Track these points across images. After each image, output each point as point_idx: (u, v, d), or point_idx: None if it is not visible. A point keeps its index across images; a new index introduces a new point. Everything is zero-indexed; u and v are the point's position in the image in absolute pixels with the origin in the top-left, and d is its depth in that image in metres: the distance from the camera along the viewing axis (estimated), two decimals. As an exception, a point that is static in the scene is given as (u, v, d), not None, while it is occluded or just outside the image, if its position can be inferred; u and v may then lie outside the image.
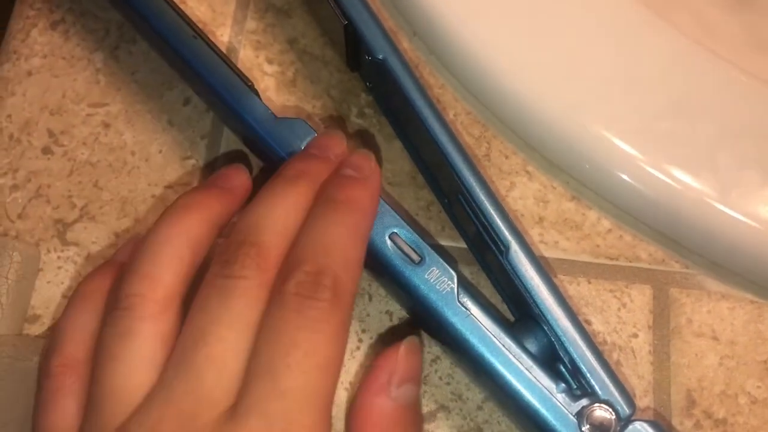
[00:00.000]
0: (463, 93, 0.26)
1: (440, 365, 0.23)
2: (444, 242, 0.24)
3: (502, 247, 0.21)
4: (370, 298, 0.23)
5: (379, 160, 0.25)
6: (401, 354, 0.18)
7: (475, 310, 0.20)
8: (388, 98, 0.25)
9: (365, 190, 0.19)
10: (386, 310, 0.23)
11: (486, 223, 0.21)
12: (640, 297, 0.24)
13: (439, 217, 0.24)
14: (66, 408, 0.17)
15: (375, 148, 0.25)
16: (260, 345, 0.16)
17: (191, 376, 0.16)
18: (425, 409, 0.22)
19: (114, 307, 0.17)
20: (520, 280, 0.20)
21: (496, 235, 0.21)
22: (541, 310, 0.20)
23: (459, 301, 0.20)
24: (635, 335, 0.23)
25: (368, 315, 0.23)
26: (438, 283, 0.20)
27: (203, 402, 0.15)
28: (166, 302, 0.17)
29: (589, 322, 0.23)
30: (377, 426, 0.17)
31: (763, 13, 0.29)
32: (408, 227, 0.20)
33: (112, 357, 0.16)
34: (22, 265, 0.23)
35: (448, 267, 0.20)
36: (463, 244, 0.24)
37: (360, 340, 0.23)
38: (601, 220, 0.24)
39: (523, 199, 0.25)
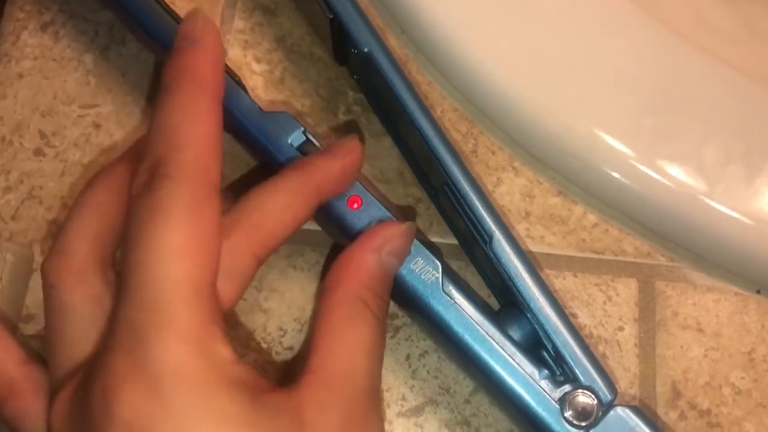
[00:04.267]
0: (449, 90, 0.27)
1: (428, 359, 0.24)
2: (433, 238, 0.25)
3: (485, 236, 0.22)
4: (359, 294, 0.25)
5: (367, 157, 0.26)
6: (401, 229, 0.20)
7: (459, 299, 0.21)
8: (375, 92, 0.26)
9: (194, 57, 0.18)
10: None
11: (470, 214, 0.22)
12: (626, 290, 0.25)
13: (427, 214, 0.26)
14: None
15: (363, 144, 0.26)
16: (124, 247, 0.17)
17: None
18: (413, 403, 0.24)
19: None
20: (504, 269, 0.22)
21: (480, 225, 0.22)
22: (524, 298, 0.21)
23: (444, 291, 0.21)
24: (621, 328, 0.24)
25: (356, 310, 0.25)
26: (423, 272, 0.21)
27: None
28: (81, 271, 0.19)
29: (575, 316, 0.24)
30: (358, 276, 0.19)
31: (761, 3, 0.31)
32: (393, 218, 0.22)
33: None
34: (16, 266, 0.25)
35: (433, 257, 0.21)
36: (452, 240, 0.25)
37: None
38: (587, 215, 0.26)
39: (509, 194, 0.26)
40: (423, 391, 0.24)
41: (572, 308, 0.24)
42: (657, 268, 0.25)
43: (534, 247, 0.25)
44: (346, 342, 0.18)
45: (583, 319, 0.24)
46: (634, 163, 0.24)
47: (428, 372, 0.24)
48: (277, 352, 0.24)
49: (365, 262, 0.20)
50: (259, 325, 0.24)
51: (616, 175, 0.25)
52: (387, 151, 0.26)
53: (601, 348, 0.24)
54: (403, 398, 0.23)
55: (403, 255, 0.21)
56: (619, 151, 0.24)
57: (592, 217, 0.26)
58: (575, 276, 0.25)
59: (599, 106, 0.25)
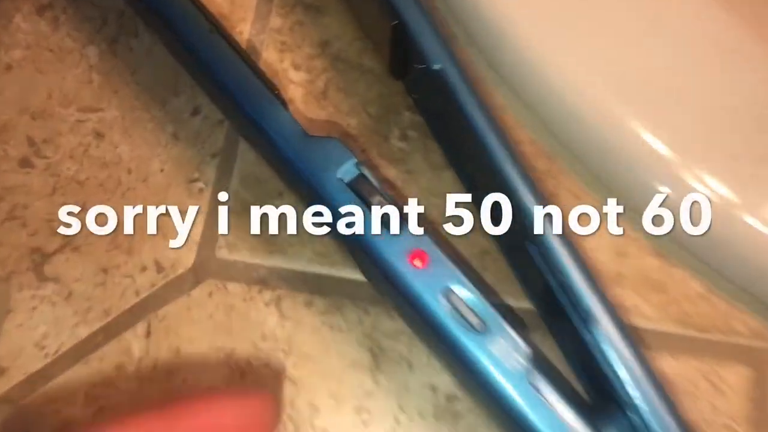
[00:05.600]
0: (527, 117, 0.23)
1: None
2: (509, 301, 0.21)
3: (583, 313, 0.18)
4: (411, 367, 0.20)
5: (424, 194, 0.22)
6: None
7: (550, 396, 0.17)
8: (439, 116, 0.22)
9: None
10: (430, 384, 0.20)
11: (564, 282, 0.18)
12: (737, 380, 0.21)
13: (495, 268, 0.21)
14: None
15: (419, 179, 0.22)
16: None
17: None
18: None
19: None
20: (606, 358, 0.18)
21: (576, 298, 0.18)
22: (630, 398, 0.17)
23: (530, 383, 0.17)
24: (730, 428, 0.20)
25: (407, 389, 0.20)
26: (505, 358, 0.17)
27: None
28: None
29: (674, 408, 0.20)
30: None
31: None
32: (469, 283, 0.17)
33: None
34: (-12, 303, 0.20)
35: (519, 339, 0.17)
36: (525, 304, 0.21)
37: (397, 421, 0.20)
38: (689, 282, 0.21)
39: (597, 250, 0.22)
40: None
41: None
42: (773, 352, 0.21)
43: (626, 318, 0.21)
44: None
45: (683, 413, 0.20)
46: (745, 217, 0.20)
47: (493, 472, 0.19)
48: (305, 434, 0.19)
49: None
50: (286, 400, 0.20)
51: (723, 231, 0.20)
52: (449, 187, 0.22)
53: (705, 451, 0.20)
54: (461, 503, 0.19)
55: None
56: (730, 200, 0.20)
57: (695, 286, 0.21)
58: (674, 358, 0.21)
59: (704, 145, 0.21)
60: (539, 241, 0.18)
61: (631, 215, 0.22)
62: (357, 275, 0.21)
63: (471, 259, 0.21)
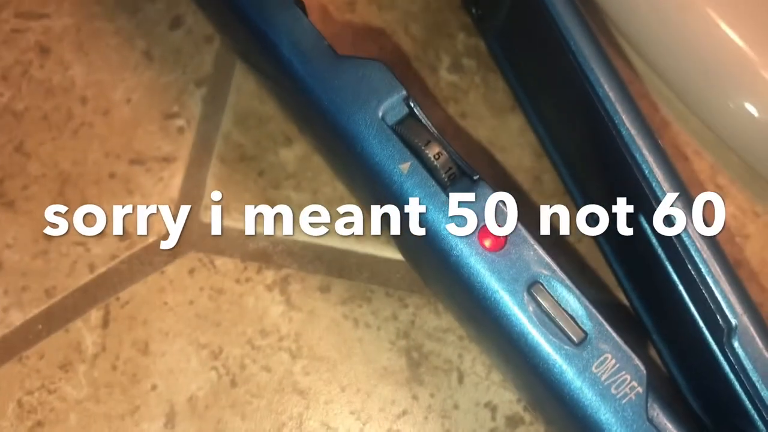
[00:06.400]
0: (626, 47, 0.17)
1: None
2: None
3: (722, 323, 0.13)
4: (461, 379, 0.15)
5: (482, 145, 0.17)
6: None
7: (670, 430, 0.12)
8: (510, 40, 0.16)
9: None
10: (486, 402, 0.15)
11: (697, 282, 0.13)
12: None
13: (573, 250, 0.16)
14: None
15: (477, 125, 0.17)
16: None
17: None
18: None
19: None
20: (745, 376, 0.13)
21: (716, 303, 0.13)
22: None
23: (648, 416, 0.12)
24: None
25: (456, 407, 0.15)
26: (613, 381, 0.12)
27: None
28: None
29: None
30: None
31: None
32: (563, 275, 0.12)
33: None
34: None
35: (633, 356, 0.12)
36: (608, 296, 0.16)
37: (444, 452, 0.15)
38: (829, 274, 0.17)
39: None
40: None
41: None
42: None
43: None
44: None
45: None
46: None
47: None
48: (318, 464, 0.15)
49: None
50: (292, 415, 0.15)
51: None
52: (515, 137, 0.17)
53: None
54: None
55: None
56: None
57: (837, 279, 0.16)
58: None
59: None
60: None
61: (753, 183, 0.16)
62: (392, 252, 0.16)
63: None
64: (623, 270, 0.15)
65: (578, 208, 0.16)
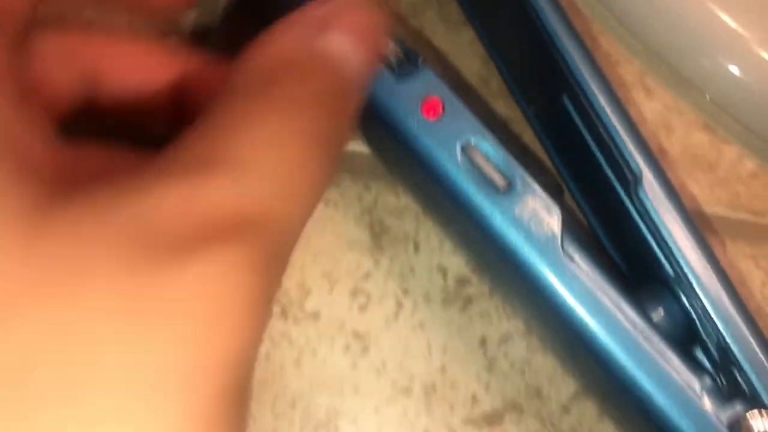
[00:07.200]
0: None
1: (512, 347, 0.17)
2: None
3: (629, 175, 0.15)
4: (417, 248, 0.18)
5: (438, 53, 0.19)
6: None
7: (584, 266, 0.14)
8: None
9: None
10: (438, 265, 0.18)
11: (606, 141, 0.15)
12: (794, 270, 0.18)
13: (517, 141, 0.19)
14: None
15: (433, 38, 0.19)
16: None
17: None
18: (487, 407, 0.17)
19: None
20: (652, 224, 0.15)
21: (622, 158, 0.15)
22: (680, 270, 0.15)
23: (563, 250, 0.14)
24: (785, 323, 0.18)
25: (412, 270, 0.17)
26: (533, 221, 0.14)
27: None
28: None
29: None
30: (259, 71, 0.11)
31: None
32: (492, 136, 0.15)
33: None
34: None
35: (549, 198, 0.14)
36: (544, 163, 0.18)
37: (399, 305, 0.17)
38: (743, 160, 0.19)
39: (638, 123, 0.19)
40: (503, 392, 0.17)
41: (718, 289, 0.18)
42: (836, 242, 0.18)
43: (669, 198, 0.18)
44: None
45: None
46: None
47: (512, 365, 0.17)
48: (295, 319, 0.17)
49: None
50: (272, 280, 0.17)
51: None
52: (465, 47, 0.19)
53: (756, 348, 0.17)
54: (474, 399, 0.17)
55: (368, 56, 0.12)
56: None
57: (749, 165, 0.19)
58: (723, 243, 0.18)
59: None
60: (576, 89, 0.15)
61: (677, 83, 0.19)
62: (358, 145, 0.18)
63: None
64: (551, 142, 0.17)
65: (519, 105, 0.19)
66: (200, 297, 0.09)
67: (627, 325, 0.14)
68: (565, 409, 0.17)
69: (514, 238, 0.14)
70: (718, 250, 0.18)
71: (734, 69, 0.18)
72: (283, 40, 0.12)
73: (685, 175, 0.18)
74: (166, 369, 0.09)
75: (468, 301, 0.17)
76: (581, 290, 0.14)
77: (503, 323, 0.17)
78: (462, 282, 0.17)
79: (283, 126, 0.11)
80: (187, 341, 0.09)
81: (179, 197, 0.10)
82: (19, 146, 0.10)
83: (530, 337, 0.17)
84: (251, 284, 0.10)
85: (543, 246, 0.14)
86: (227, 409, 0.09)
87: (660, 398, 0.14)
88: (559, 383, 0.17)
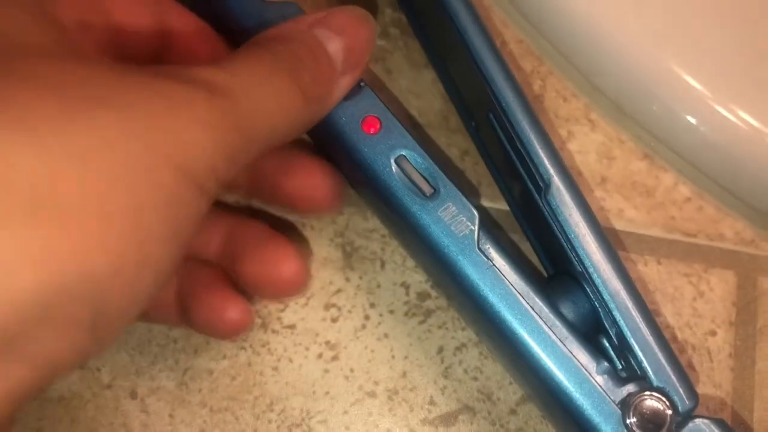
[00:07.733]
0: (514, 16, 0.22)
1: (466, 355, 0.19)
2: (483, 203, 0.21)
3: (540, 182, 0.17)
4: (383, 265, 0.20)
5: (404, 94, 0.21)
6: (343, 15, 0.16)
7: (498, 261, 0.16)
8: (421, 13, 0.21)
9: None
10: (402, 282, 0.20)
11: (522, 152, 0.17)
12: (722, 285, 0.20)
13: (474, 171, 0.21)
14: None
15: (399, 78, 0.21)
16: None
17: None
18: (444, 409, 0.19)
19: None
20: (560, 225, 0.17)
21: (535, 168, 0.17)
22: (584, 266, 0.17)
23: (479, 248, 0.16)
24: (713, 332, 0.20)
25: (378, 286, 0.20)
26: (454, 223, 0.17)
27: None
28: None
29: (656, 313, 0.20)
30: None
31: None
32: (421, 150, 0.17)
33: None
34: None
35: (468, 203, 0.17)
36: (503, 206, 0.20)
37: (366, 317, 0.20)
38: (678, 186, 0.21)
39: (582, 153, 0.21)
40: (457, 395, 0.19)
41: (653, 303, 0.20)
42: (761, 260, 0.20)
43: (610, 221, 0.20)
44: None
45: (667, 317, 0.20)
46: (719, 111, 0.19)
47: (466, 371, 0.19)
48: (274, 330, 0.19)
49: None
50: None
51: (706, 128, 0.20)
52: (428, 87, 0.21)
53: (687, 355, 0.19)
54: (431, 402, 0.19)
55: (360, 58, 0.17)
56: (705, 95, 0.19)
57: (684, 190, 0.21)
58: (659, 262, 0.20)
59: (695, 42, 0.20)
60: (497, 107, 0.18)
61: (619, 118, 0.21)
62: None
63: (452, 159, 0.21)
64: (486, 152, 0.20)
65: (470, 135, 0.21)
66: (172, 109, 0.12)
67: (533, 313, 0.16)
68: (513, 411, 0.19)
69: (437, 236, 0.16)
70: (652, 268, 0.20)
71: (687, 117, 0.20)
72: (287, 24, 0.16)
73: (624, 200, 0.21)
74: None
75: (427, 314, 0.19)
76: (493, 282, 0.16)
77: (458, 333, 0.19)
78: (422, 296, 0.19)
79: (274, 64, 0.15)
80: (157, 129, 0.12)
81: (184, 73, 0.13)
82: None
83: (482, 346, 0.19)
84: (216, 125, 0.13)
85: (461, 243, 0.16)
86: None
87: (561, 378, 0.16)
88: (508, 388, 0.19)
